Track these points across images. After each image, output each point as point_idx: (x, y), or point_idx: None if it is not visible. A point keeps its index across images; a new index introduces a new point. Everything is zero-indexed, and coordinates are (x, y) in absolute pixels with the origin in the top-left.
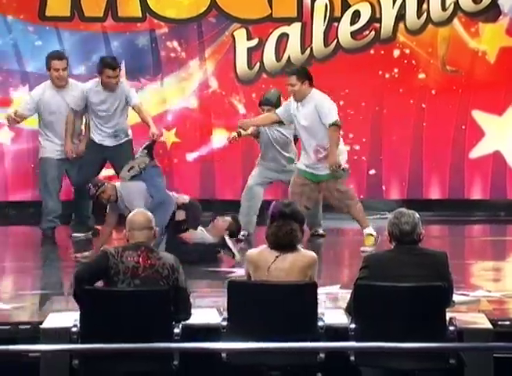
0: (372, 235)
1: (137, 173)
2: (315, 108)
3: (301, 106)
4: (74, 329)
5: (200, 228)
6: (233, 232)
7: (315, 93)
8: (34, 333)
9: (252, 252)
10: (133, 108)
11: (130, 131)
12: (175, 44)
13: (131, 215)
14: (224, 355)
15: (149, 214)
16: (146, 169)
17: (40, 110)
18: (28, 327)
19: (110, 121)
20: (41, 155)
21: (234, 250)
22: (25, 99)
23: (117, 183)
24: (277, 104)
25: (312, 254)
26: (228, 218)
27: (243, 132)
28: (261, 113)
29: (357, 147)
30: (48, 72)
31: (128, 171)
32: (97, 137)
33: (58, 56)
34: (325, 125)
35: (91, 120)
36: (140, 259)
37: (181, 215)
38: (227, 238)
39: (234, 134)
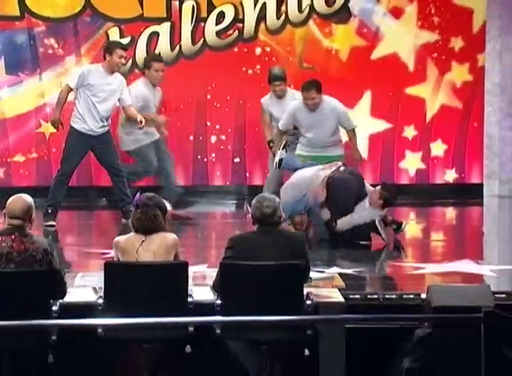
0: None
1: None
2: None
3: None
4: None
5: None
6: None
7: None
8: None
9: (119, 239)
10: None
11: None
12: (52, 41)
13: (9, 200)
14: (100, 330)
15: (28, 201)
16: None
17: None
18: None
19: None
20: None
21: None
22: None
23: None
24: (285, 78)
25: (174, 235)
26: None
27: None
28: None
29: (223, 137)
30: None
31: None
32: None
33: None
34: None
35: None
36: (14, 244)
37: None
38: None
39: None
